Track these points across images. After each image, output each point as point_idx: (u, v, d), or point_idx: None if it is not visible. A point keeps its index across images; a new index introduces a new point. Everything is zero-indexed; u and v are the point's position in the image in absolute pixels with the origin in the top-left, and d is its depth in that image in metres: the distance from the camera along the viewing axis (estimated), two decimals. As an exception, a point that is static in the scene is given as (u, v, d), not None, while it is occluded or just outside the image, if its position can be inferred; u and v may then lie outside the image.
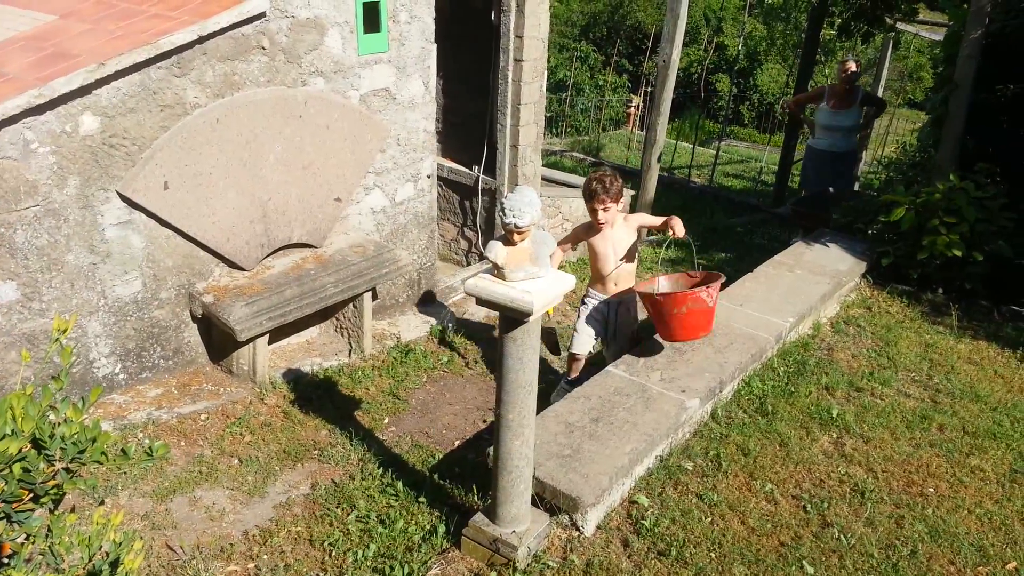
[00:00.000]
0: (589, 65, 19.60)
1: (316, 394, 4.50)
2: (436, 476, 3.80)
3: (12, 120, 3.58)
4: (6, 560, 1.33)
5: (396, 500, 3.59)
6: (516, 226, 2.78)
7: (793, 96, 9.08)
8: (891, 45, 10.68)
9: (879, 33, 9.55)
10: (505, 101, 6.15)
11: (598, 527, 3.36)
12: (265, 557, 3.22)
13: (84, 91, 3.76)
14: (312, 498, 3.62)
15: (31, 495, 1.23)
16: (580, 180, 8.11)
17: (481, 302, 2.90)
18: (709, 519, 3.42)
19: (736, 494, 3.58)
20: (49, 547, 1.40)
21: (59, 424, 1.24)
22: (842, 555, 3.25)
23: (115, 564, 1.52)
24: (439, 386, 4.86)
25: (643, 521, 3.37)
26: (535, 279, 2.85)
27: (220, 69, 4.22)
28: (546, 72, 6.30)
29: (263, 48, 4.39)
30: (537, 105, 6.27)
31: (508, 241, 2.86)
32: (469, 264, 7.01)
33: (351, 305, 5.04)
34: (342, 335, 5.18)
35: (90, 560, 1.50)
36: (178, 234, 4.28)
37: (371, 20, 4.95)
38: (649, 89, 15.44)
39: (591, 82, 18.99)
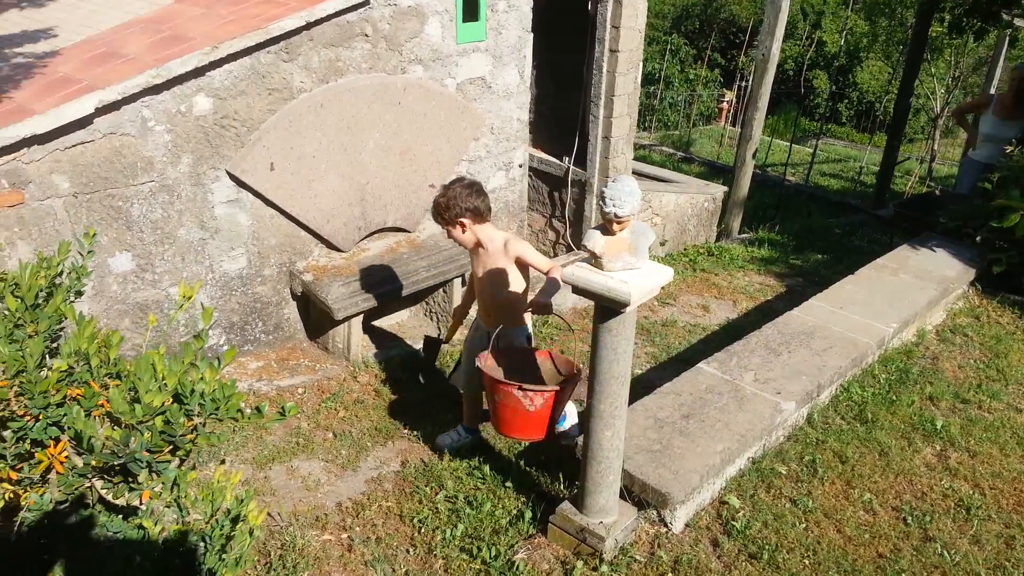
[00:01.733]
0: (680, 58, 19.27)
1: (406, 375, 4.57)
2: (522, 462, 3.80)
3: (132, 99, 3.76)
4: (142, 507, 1.40)
5: (483, 483, 3.62)
6: (616, 215, 2.74)
7: (959, 104, 8.63)
8: (1006, 43, 10.09)
9: (994, 30, 9.02)
10: (599, 92, 6.09)
11: (687, 525, 3.30)
12: (358, 529, 3.30)
13: (198, 73, 3.91)
14: (402, 475, 3.68)
15: (170, 447, 1.29)
16: (671, 175, 7.99)
17: (577, 291, 2.89)
18: (803, 525, 3.31)
19: (832, 502, 3.46)
20: (176, 500, 1.47)
21: (197, 381, 1.30)
22: (945, 572, 3.10)
23: (235, 520, 1.58)
24: (525, 375, 4.87)
25: (734, 522, 3.30)
26: (633, 269, 2.81)
27: (325, 55, 4.33)
28: (641, 64, 6.21)
29: (366, 35, 4.48)
30: (631, 97, 6.19)
31: (607, 230, 2.82)
32: (556, 255, 6.99)
33: (441, 290, 5.10)
34: (431, 319, 5.25)
35: (213, 515, 1.56)
36: (281, 214, 4.42)
37: (470, 9, 4.98)
38: (743, 84, 15.07)
39: (681, 76, 18.68)
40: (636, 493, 3.27)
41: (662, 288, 5.12)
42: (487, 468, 3.72)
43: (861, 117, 19.02)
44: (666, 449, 3.41)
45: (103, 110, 3.64)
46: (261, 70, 4.10)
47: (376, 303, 4.57)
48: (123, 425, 1.27)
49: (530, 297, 3.57)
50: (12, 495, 1.56)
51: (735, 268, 6.61)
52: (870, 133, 15.43)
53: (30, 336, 1.38)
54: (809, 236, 7.75)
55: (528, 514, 3.37)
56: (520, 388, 3.14)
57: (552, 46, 6.45)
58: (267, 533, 3.20)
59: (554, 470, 3.69)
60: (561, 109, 6.69)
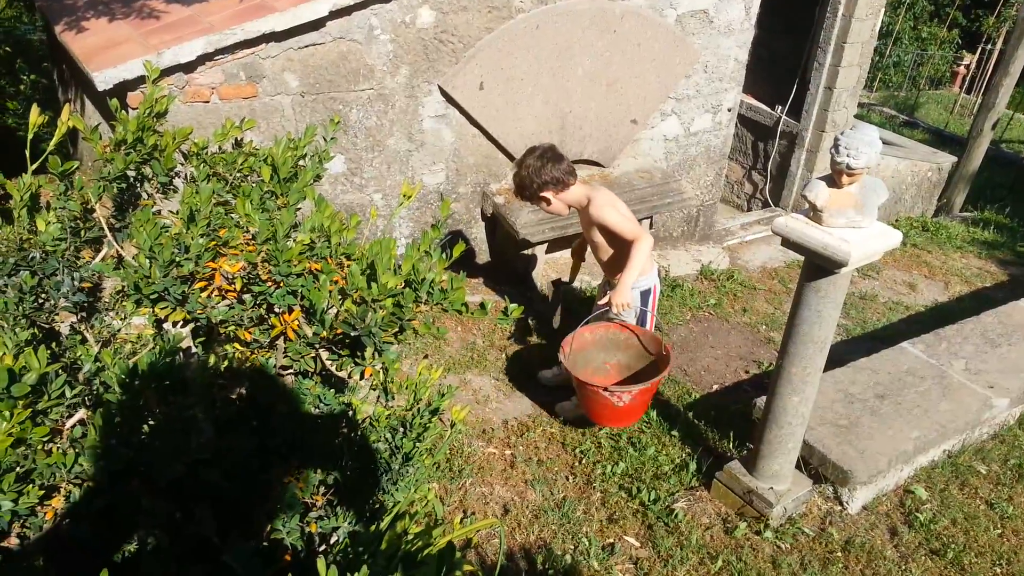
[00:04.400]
0: (914, 14, 17.37)
1: (581, 309, 4.56)
2: (691, 414, 3.72)
3: (362, 5, 3.88)
4: (362, 384, 1.49)
5: (648, 427, 3.58)
6: (848, 167, 2.52)
7: None
8: None
9: None
10: (828, 37, 5.61)
11: (864, 507, 3.10)
12: (521, 448, 3.38)
13: (426, -16, 3.97)
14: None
15: (397, 328, 1.35)
16: (893, 137, 7.30)
17: (788, 244, 2.70)
18: (999, 531, 3.01)
19: (1037, 514, 3.12)
20: (383, 384, 1.54)
21: (427, 270, 1.33)
22: None
23: (435, 412, 1.65)
24: (702, 327, 4.72)
25: (918, 514, 3.06)
26: (856, 228, 2.59)
27: (548, -25, 4.26)
28: (882, 10, 5.63)
29: (591, -43, 4.34)
30: (865, 46, 5.65)
31: (834, 183, 2.61)
32: (750, 210, 6.65)
33: (628, 229, 5.00)
34: (613, 258, 5.18)
35: (415, 404, 1.63)
36: (483, 134, 4.48)
37: (702, -65, 4.70)
38: (988, 47, 13.42)
39: (912, 33, 16.89)
40: (813, 465, 3.10)
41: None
42: (653, 413, 3.66)
43: None
44: (853, 426, 3.19)
45: (336, 14, 3.79)
46: (483, -14, 4.11)
47: (562, 234, 4.56)
48: (357, 301, 1.33)
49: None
50: (240, 355, 1.69)
51: (952, 248, 5.99)
52: None
53: (279, 208, 1.48)
54: (1045, 225, 6.86)
55: (692, 466, 3.30)
56: (606, 389, 3.04)
57: (781, -16, 6.00)
58: (436, 436, 3.35)
59: (724, 427, 3.58)
60: (781, 53, 6.25)
